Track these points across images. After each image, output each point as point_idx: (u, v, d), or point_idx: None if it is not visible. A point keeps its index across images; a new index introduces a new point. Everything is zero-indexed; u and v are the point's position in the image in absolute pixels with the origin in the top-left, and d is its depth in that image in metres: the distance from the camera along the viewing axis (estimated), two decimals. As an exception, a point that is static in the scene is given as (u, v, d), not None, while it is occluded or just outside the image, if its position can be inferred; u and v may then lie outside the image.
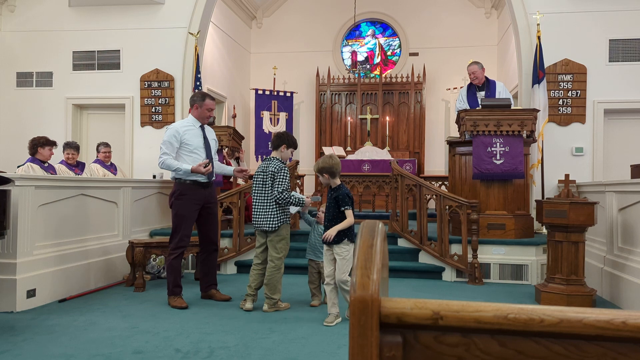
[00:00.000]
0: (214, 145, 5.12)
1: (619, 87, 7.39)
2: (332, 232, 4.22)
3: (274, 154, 4.82)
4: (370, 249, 0.98)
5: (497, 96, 6.65)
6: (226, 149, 7.20)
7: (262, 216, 4.65)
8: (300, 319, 4.39)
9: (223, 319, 4.40)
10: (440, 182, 8.85)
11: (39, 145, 6.40)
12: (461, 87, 9.08)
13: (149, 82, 8.31)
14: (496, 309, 0.91)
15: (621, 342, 0.88)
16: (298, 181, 7.30)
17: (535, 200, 5.69)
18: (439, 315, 0.92)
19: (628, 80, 7.38)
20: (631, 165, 5.78)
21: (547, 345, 0.90)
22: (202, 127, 5.02)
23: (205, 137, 5.02)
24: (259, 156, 11.45)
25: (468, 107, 6.66)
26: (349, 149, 11.42)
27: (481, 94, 6.75)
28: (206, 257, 5.14)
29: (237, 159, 8.02)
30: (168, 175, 7.83)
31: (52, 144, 6.50)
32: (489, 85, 6.81)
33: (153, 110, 8.31)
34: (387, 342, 0.94)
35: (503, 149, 6.19)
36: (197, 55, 8.11)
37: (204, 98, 4.97)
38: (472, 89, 6.89)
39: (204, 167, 4.72)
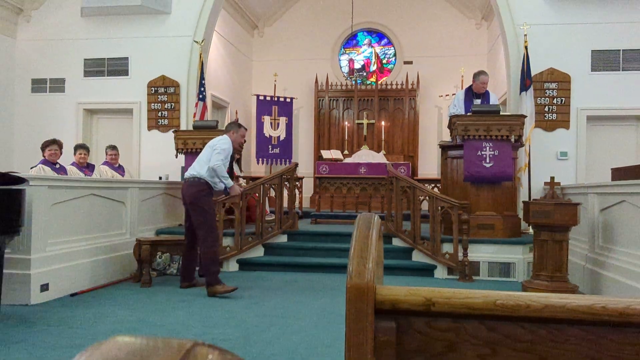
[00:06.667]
0: None
1: (601, 95, 7.43)
2: None
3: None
4: (366, 240, 0.99)
5: (490, 102, 6.64)
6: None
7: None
8: (299, 313, 4.39)
9: (225, 313, 4.40)
10: (433, 185, 8.87)
11: (44, 148, 6.43)
12: (453, 94, 9.08)
13: (156, 88, 8.32)
14: (485, 296, 0.93)
15: (601, 325, 0.89)
16: (297, 183, 7.30)
17: (523, 202, 5.70)
18: (431, 302, 0.93)
19: (609, 89, 7.42)
20: (612, 169, 5.79)
21: (532, 330, 0.92)
22: None
23: None
24: (260, 159, 11.46)
25: (463, 112, 6.64)
26: (346, 152, 11.43)
27: (477, 101, 6.73)
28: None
29: (238, 161, 8.03)
30: (173, 177, 7.85)
31: (51, 143, 6.41)
32: (484, 95, 6.79)
33: (159, 114, 8.31)
34: (381, 327, 0.95)
35: (492, 152, 6.21)
36: (202, 62, 8.12)
37: (239, 128, 5.34)
38: (469, 95, 6.83)
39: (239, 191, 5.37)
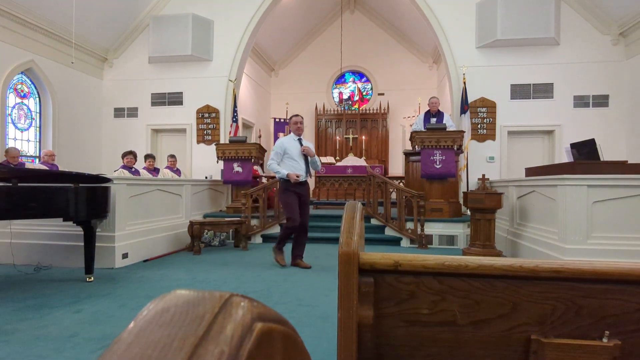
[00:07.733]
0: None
1: (517, 116, 7.42)
2: None
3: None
4: (352, 220, 0.99)
5: (444, 121, 6.62)
6: (253, 159, 7.08)
7: None
8: (305, 272, 4.39)
9: (253, 272, 4.39)
10: (399, 180, 8.82)
11: (123, 157, 6.42)
12: (413, 117, 9.04)
13: (202, 114, 8.29)
14: (436, 259, 0.93)
15: (518, 279, 0.90)
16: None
17: (463, 192, 5.70)
18: (398, 263, 0.93)
19: (523, 112, 7.41)
20: (525, 168, 5.78)
21: (470, 282, 0.92)
22: (299, 140, 4.57)
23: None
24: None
25: (422, 128, 6.59)
26: (337, 158, 11.39)
27: (433, 120, 6.69)
28: (297, 235, 4.63)
29: (261, 165, 7.93)
30: (215, 177, 7.82)
31: (129, 154, 6.43)
32: (439, 114, 6.76)
33: (205, 132, 8.29)
34: (363, 281, 0.95)
35: (441, 157, 6.19)
36: (235, 95, 8.09)
37: (290, 119, 4.66)
38: (427, 116, 6.76)
39: (295, 177, 4.43)
